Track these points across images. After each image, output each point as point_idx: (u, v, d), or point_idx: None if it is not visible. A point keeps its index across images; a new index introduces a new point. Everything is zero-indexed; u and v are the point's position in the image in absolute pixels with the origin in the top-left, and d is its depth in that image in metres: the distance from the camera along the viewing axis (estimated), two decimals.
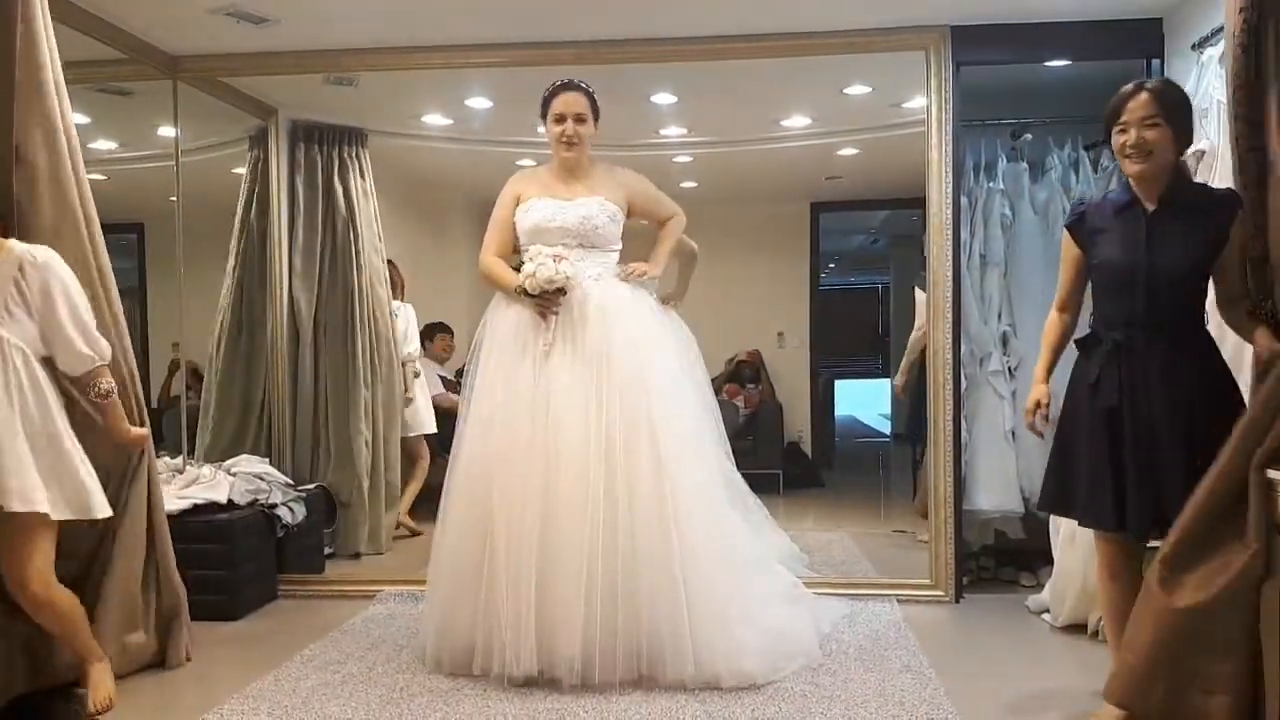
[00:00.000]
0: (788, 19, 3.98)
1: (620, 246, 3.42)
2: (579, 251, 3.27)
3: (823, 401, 7.91)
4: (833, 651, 3.33)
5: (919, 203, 7.28)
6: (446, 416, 5.71)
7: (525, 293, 3.19)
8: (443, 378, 6.06)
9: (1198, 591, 2.38)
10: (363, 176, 5.14)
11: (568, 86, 3.40)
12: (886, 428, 10.85)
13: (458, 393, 6.06)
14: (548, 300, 3.19)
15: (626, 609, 3.03)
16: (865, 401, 12.20)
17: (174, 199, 4.60)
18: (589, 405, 3.14)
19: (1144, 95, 2.60)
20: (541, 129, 5.25)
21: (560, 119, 3.36)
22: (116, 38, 3.97)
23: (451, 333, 6.24)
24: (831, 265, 10.72)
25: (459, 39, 4.22)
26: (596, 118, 3.42)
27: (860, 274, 13.21)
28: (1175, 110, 2.59)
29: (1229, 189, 2.66)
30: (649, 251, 3.52)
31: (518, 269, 3.32)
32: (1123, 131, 2.63)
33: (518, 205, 3.43)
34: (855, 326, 13.41)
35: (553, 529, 3.05)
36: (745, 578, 3.27)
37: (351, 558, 4.85)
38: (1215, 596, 2.35)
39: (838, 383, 9.38)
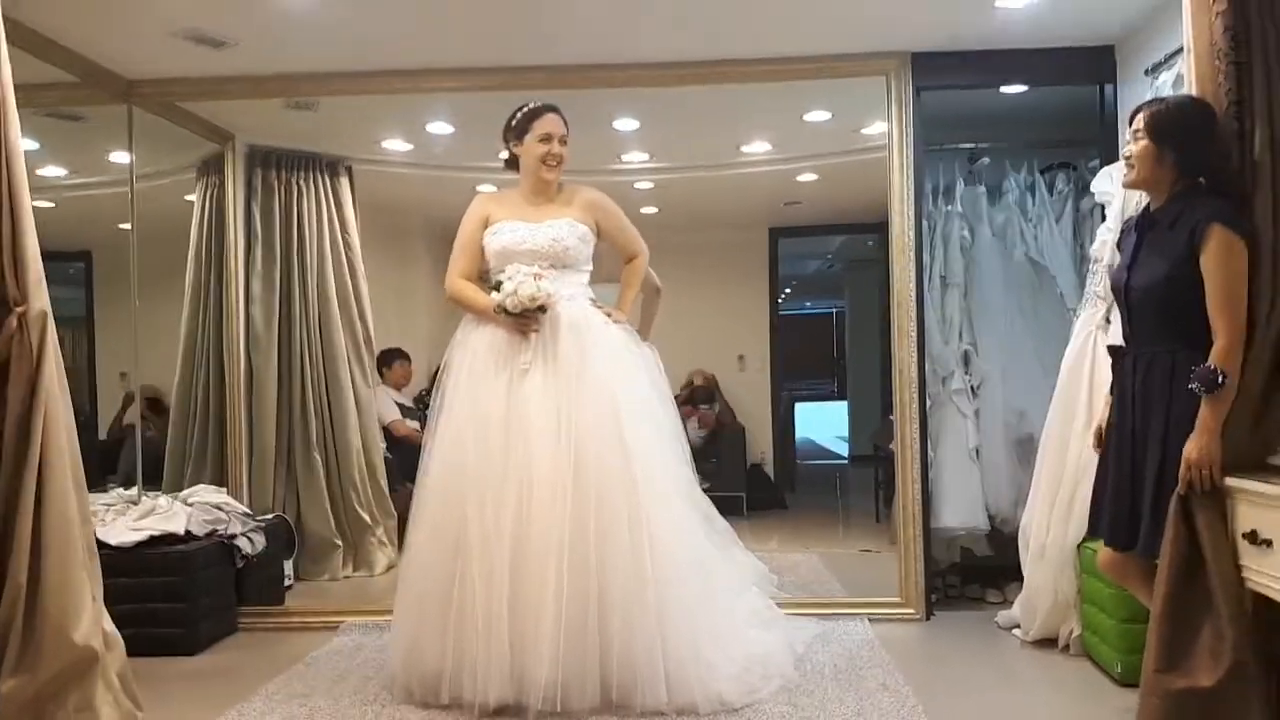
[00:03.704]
0: (751, 45, 4.02)
1: (591, 267, 3.41)
2: (550, 273, 3.25)
3: (783, 424, 7.95)
4: (808, 672, 3.31)
5: (876, 228, 7.47)
6: (402, 444, 5.66)
7: (506, 312, 3.16)
8: (400, 404, 5.99)
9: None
10: (330, 202, 5.09)
11: (550, 108, 3.41)
12: (843, 449, 10.95)
13: (415, 419, 6.05)
14: (528, 319, 3.16)
15: (599, 635, 2.98)
16: (821, 424, 12.30)
17: (125, 226, 4.52)
18: (562, 426, 3.11)
19: (1141, 111, 2.64)
20: (504, 153, 5.31)
21: (547, 139, 3.36)
22: (70, 61, 3.89)
23: (409, 359, 6.18)
24: (787, 290, 10.84)
25: (421, 63, 4.20)
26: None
27: (815, 299, 13.36)
28: (1167, 126, 2.57)
29: (1220, 204, 2.52)
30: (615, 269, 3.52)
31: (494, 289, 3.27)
32: (1127, 144, 2.67)
33: (485, 227, 3.40)
34: (811, 350, 13.56)
35: (525, 552, 3.01)
36: (719, 601, 3.25)
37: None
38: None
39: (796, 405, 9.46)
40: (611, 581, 3.00)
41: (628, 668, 2.97)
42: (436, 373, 6.41)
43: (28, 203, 2.83)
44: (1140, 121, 2.61)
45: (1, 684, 2.67)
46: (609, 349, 3.26)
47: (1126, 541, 2.65)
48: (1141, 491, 2.59)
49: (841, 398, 12.17)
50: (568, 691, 2.93)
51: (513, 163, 3.46)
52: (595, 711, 2.95)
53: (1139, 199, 3.37)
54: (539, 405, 3.14)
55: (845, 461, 10.40)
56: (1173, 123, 2.57)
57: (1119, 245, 2.87)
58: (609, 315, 3.35)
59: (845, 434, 11.02)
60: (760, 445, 7.52)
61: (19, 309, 2.76)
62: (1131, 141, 2.63)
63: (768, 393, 7.70)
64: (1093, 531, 2.86)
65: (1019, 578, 4.20)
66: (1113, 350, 2.78)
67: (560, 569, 2.98)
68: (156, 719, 2.99)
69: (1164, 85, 3.44)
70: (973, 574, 4.48)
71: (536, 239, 3.30)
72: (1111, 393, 2.77)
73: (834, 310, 13.52)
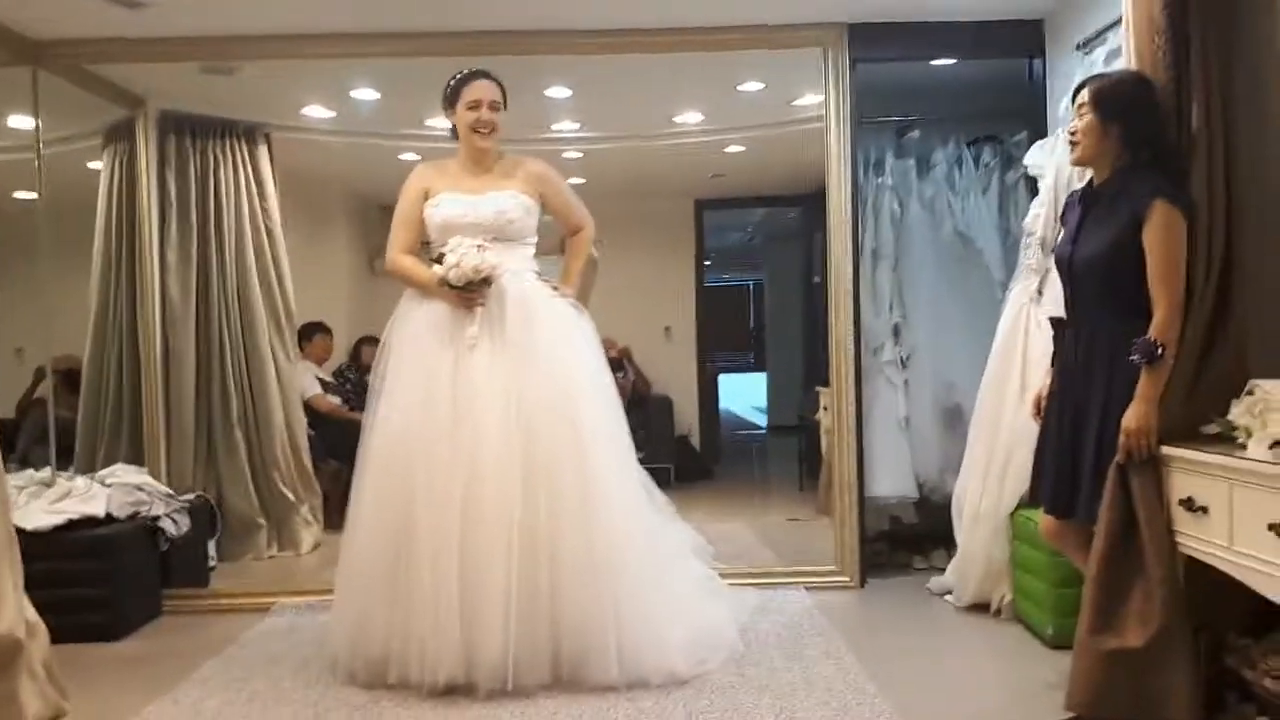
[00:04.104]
0: (686, 13, 3.98)
1: (535, 239, 3.35)
2: (495, 245, 3.17)
3: (708, 395, 8.00)
4: (752, 642, 3.34)
5: (799, 200, 7.55)
6: (324, 419, 5.54)
7: (449, 285, 3.08)
8: (321, 379, 5.84)
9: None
10: (248, 171, 4.90)
11: (481, 74, 3.32)
12: (761, 420, 11.08)
13: (336, 394, 5.91)
14: (473, 292, 3.09)
15: (550, 611, 2.96)
16: (738, 395, 12.42)
17: (19, 195, 4.28)
18: (511, 401, 3.06)
19: (1085, 86, 2.67)
20: (431, 120, 5.18)
21: (475, 105, 3.26)
22: None
23: (330, 333, 6.03)
24: (707, 262, 10.89)
25: (346, 27, 4.06)
26: (504, 107, 3.34)
27: (733, 272, 13.45)
28: (1112, 101, 2.61)
29: (1161, 180, 2.56)
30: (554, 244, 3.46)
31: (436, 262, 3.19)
32: (1078, 118, 2.70)
33: (425, 199, 3.30)
34: (729, 322, 13.67)
35: (474, 528, 2.97)
36: (668, 574, 3.25)
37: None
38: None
39: None
40: (562, 557, 2.98)
41: (579, 643, 2.96)
42: (356, 346, 6.39)
43: None
44: (1085, 96, 2.65)
45: None
46: (556, 324, 3.22)
47: (1066, 509, 2.72)
48: (1082, 460, 2.66)
49: (759, 369, 12.32)
50: (519, 668, 2.91)
51: (455, 133, 3.36)
52: (546, 688, 2.93)
53: (1076, 174, 3.45)
54: (486, 381, 3.09)
55: (763, 432, 10.54)
56: (1118, 98, 2.62)
57: (1061, 219, 2.93)
58: (555, 290, 3.30)
59: (763, 405, 11.16)
60: (687, 417, 7.55)
61: None
62: (1076, 117, 2.67)
63: (693, 364, 7.74)
64: (1033, 499, 2.93)
65: (945, 544, 4.33)
66: (1054, 321, 2.84)
67: (510, 545, 2.95)
68: (85, 709, 2.88)
69: (1097, 60, 3.51)
70: (901, 541, 4.57)
71: (479, 211, 3.23)
72: (1053, 364, 2.84)
73: (751, 283, 13.64)
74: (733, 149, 6.04)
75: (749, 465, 8.84)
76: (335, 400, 5.86)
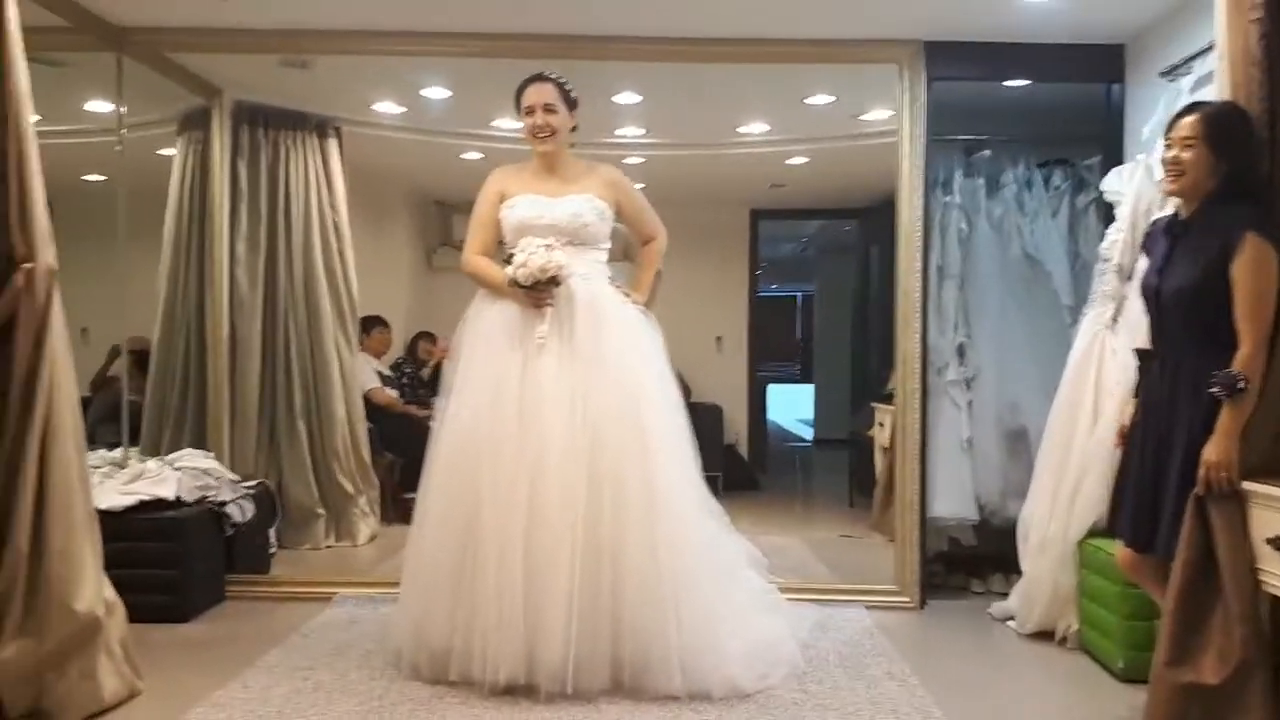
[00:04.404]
0: (763, 25, 3.98)
1: (609, 245, 3.36)
2: (569, 249, 3.19)
3: (757, 406, 7.98)
4: (813, 659, 3.32)
5: (857, 213, 7.50)
6: (381, 413, 5.59)
7: (517, 284, 3.09)
8: (380, 373, 5.90)
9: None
10: (318, 164, 4.97)
11: (536, 78, 3.33)
12: (806, 432, 11.03)
13: (394, 388, 5.96)
14: (541, 291, 3.10)
15: (612, 616, 2.97)
16: (784, 406, 12.38)
17: (89, 177, 4.33)
18: (577, 405, 3.07)
19: (1192, 116, 2.61)
20: (498, 121, 5.22)
21: (530, 111, 3.28)
22: (60, 4, 3.72)
23: (389, 327, 6.09)
24: (757, 273, 10.87)
25: (420, 25, 4.09)
26: (571, 108, 3.34)
27: (782, 282, 13.41)
28: (1221, 133, 2.57)
29: (1252, 212, 2.54)
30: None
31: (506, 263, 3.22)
32: (1168, 148, 2.65)
33: (501, 202, 3.32)
34: (776, 333, 13.62)
35: (539, 530, 2.98)
36: (729, 585, 3.25)
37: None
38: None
39: None
40: (626, 562, 2.99)
41: (641, 650, 2.96)
42: (413, 341, 6.44)
43: (35, 156, 2.72)
44: (1193, 129, 2.58)
45: (2, 650, 2.58)
46: (625, 330, 3.23)
47: (1146, 543, 2.68)
48: (1163, 494, 2.62)
49: (805, 381, 12.27)
50: (579, 672, 2.91)
51: None
52: (606, 694, 2.93)
53: (1156, 201, 3.41)
54: (554, 383, 3.10)
55: (809, 444, 10.49)
56: (1225, 129, 2.57)
57: (1144, 248, 2.88)
58: (626, 296, 3.30)
59: (808, 417, 11.11)
60: (735, 426, 7.53)
61: (26, 265, 2.65)
62: (1178, 148, 2.61)
63: (744, 375, 7.72)
64: (1111, 530, 2.89)
65: (1003, 568, 4.29)
66: (1139, 353, 2.80)
67: (574, 548, 2.95)
68: (155, 689, 2.93)
69: (1183, 88, 3.47)
70: (958, 563, 4.53)
71: (555, 213, 3.24)
72: (1136, 395, 2.80)
73: (800, 294, 13.59)
74: (794, 160, 6.03)
75: (795, 477, 8.81)
76: (392, 394, 5.91)
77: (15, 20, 2.71)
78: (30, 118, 2.72)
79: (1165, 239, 2.71)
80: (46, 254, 2.72)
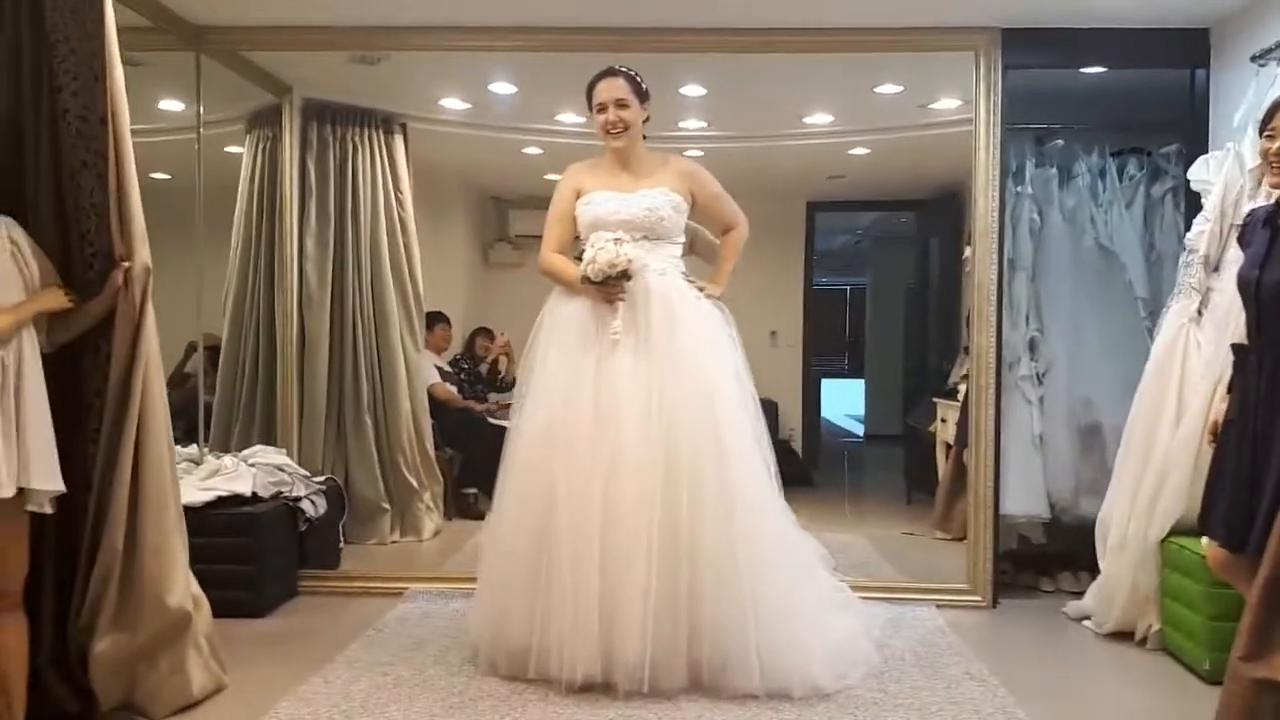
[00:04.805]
0: (835, 14, 3.94)
1: (685, 238, 3.34)
2: (644, 244, 3.17)
3: (810, 401, 7.91)
4: (889, 658, 3.29)
5: (915, 204, 7.39)
6: (442, 408, 5.61)
7: (589, 280, 3.08)
8: (440, 369, 5.93)
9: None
10: (385, 160, 4.99)
11: (606, 73, 3.31)
12: (856, 427, 10.92)
13: (453, 384, 5.99)
14: (612, 286, 3.09)
15: (689, 615, 2.95)
16: (834, 401, 12.25)
17: (157, 175, 4.36)
18: (653, 402, 3.05)
19: None
20: (562, 116, 5.21)
21: (602, 108, 3.26)
22: (142, 4, 3.76)
23: (449, 323, 6.11)
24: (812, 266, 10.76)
25: (487, 20, 4.09)
26: (644, 100, 3.31)
27: (833, 275, 13.27)
28: None
29: None
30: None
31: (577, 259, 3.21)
32: (1270, 139, 2.58)
33: (578, 199, 3.31)
34: (827, 327, 13.48)
35: (615, 528, 2.97)
36: (805, 583, 3.22)
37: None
38: None
39: None
40: (702, 560, 2.97)
41: (719, 649, 2.94)
42: (471, 337, 6.47)
43: (131, 156, 2.76)
44: None
45: (96, 643, 2.63)
46: (699, 325, 3.20)
47: (1240, 542, 2.61)
48: (1261, 492, 2.55)
49: (856, 375, 12.13)
50: (657, 671, 2.90)
51: None
52: (685, 692, 2.92)
53: (1247, 191, 3.32)
54: (628, 380, 3.08)
55: (860, 440, 10.38)
56: None
57: (1241, 241, 2.81)
58: (702, 290, 3.28)
59: (858, 412, 10.98)
60: (790, 422, 7.47)
61: (125, 263, 2.69)
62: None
63: (799, 370, 7.64)
64: (1202, 528, 2.82)
65: (1072, 566, 4.22)
66: (1236, 348, 2.73)
67: (651, 546, 2.94)
68: (238, 684, 2.97)
69: (1277, 75, 3.36)
70: (1026, 561, 4.46)
71: (631, 209, 3.22)
72: (1230, 390, 2.72)
73: (849, 286, 13.44)
74: (855, 151, 5.96)
75: (846, 474, 8.72)
76: (452, 389, 5.94)
77: (112, 21, 2.74)
78: (127, 118, 2.75)
79: (1266, 231, 2.64)
80: (143, 252, 2.76)
